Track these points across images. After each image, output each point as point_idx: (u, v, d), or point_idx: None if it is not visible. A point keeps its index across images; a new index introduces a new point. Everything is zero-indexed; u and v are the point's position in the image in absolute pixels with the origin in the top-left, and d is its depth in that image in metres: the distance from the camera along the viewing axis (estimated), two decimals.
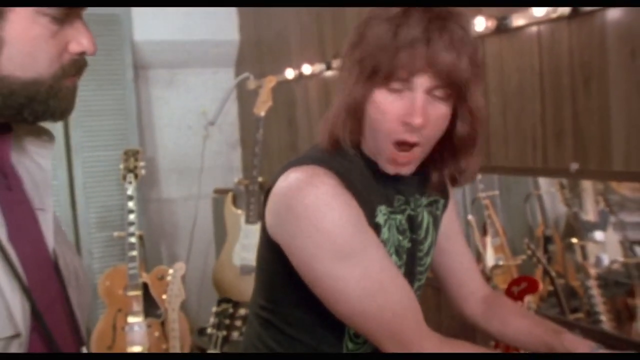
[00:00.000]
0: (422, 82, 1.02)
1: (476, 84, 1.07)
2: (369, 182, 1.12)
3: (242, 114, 3.82)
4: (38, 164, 1.00)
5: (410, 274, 1.17)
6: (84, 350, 0.98)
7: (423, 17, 1.01)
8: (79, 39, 0.90)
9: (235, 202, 3.25)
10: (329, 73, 2.76)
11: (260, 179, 3.04)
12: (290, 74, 3.05)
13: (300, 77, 2.98)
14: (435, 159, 1.16)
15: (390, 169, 1.10)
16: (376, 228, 1.09)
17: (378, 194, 1.12)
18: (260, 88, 3.10)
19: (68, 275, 0.97)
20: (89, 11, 0.91)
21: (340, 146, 1.11)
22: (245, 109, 3.72)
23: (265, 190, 1.13)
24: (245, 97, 3.69)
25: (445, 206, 1.28)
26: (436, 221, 1.24)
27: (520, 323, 1.29)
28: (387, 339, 1.05)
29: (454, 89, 1.04)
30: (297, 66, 2.99)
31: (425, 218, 1.20)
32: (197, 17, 3.53)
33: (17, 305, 0.84)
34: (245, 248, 2.99)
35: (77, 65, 0.91)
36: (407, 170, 1.10)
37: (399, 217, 1.14)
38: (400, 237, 1.15)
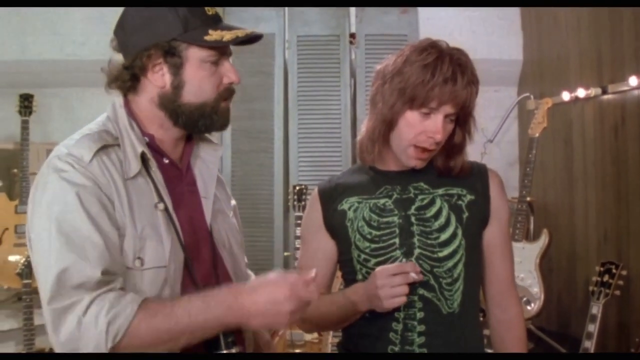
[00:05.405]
0: (445, 109, 1.41)
1: (473, 110, 1.46)
2: (360, 179, 1.57)
3: (522, 133, 3.82)
4: (207, 165, 1.43)
5: (405, 243, 1.48)
6: None
7: (451, 62, 1.39)
8: (228, 75, 1.33)
9: None
10: (605, 97, 2.69)
11: (528, 199, 3.07)
12: (566, 96, 3.03)
13: (577, 99, 2.95)
14: (436, 156, 1.53)
15: (412, 164, 1.48)
16: (342, 213, 1.54)
17: (359, 189, 1.55)
18: (537, 109, 3.12)
19: (221, 242, 1.39)
20: None
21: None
22: (525, 128, 3.71)
23: None
24: (525, 117, 3.71)
25: (475, 203, 1.52)
26: (458, 209, 1.51)
27: None
28: None
29: (462, 114, 1.44)
30: (574, 88, 2.96)
31: (438, 203, 1.51)
32: (483, 36, 3.64)
33: (169, 248, 1.24)
34: None
35: (229, 92, 1.34)
36: (422, 164, 1.49)
37: (382, 200, 1.52)
38: (379, 215, 1.50)
